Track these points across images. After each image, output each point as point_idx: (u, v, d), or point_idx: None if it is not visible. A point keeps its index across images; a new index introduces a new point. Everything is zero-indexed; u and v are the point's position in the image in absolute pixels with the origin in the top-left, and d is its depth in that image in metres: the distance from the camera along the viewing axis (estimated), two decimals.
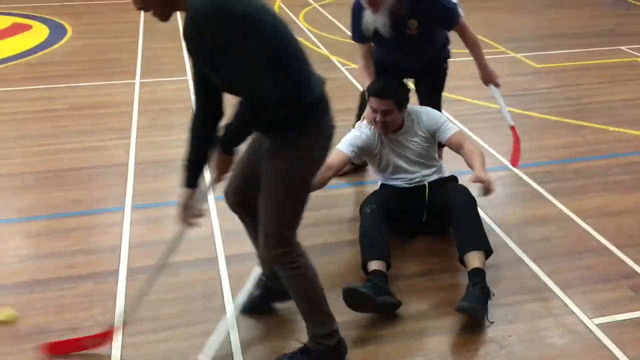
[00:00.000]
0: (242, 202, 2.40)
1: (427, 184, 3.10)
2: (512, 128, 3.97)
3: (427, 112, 3.18)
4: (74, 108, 4.87)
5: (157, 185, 3.76)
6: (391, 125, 3.04)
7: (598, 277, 2.89)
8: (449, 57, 3.59)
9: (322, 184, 3.05)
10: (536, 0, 9.35)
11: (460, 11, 3.31)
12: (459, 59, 6.11)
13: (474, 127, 4.53)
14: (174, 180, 3.81)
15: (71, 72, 5.78)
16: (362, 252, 2.82)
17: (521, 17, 8.25)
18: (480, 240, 2.77)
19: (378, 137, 3.14)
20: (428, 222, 3.12)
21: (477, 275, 2.63)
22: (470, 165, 2.95)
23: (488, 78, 3.55)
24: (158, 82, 5.53)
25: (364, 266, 2.77)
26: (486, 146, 4.25)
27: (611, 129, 4.55)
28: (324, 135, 2.13)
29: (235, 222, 3.34)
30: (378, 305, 2.55)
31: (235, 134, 2.01)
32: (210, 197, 3.57)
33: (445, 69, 3.63)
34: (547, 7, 8.79)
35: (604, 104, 5.06)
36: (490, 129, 4.57)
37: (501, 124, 4.68)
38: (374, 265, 2.72)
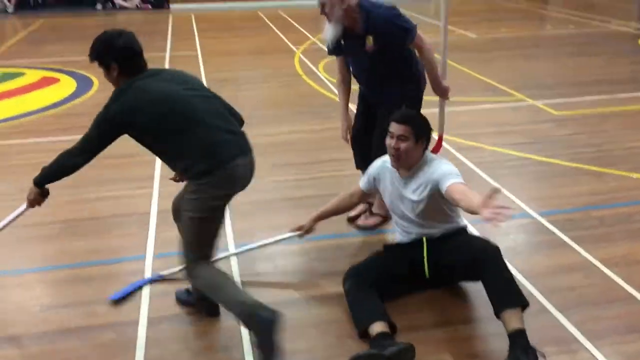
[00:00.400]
0: (175, 213, 2.96)
1: (424, 239, 2.97)
2: (440, 136, 3.84)
3: (441, 161, 2.98)
4: (98, 158, 4.94)
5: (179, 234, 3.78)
6: (404, 155, 2.89)
7: (627, 327, 2.81)
8: (412, 98, 3.55)
9: (348, 208, 3.42)
10: (555, 49, 9.44)
11: (420, 36, 3.49)
12: (477, 106, 6.18)
13: (494, 174, 4.51)
14: None
15: None
16: (357, 323, 2.76)
17: (539, 65, 8.32)
18: (515, 296, 2.65)
19: (389, 176, 3.07)
20: (432, 279, 2.99)
21: (521, 336, 2.52)
22: (470, 205, 2.50)
23: (440, 92, 3.69)
24: None
25: (364, 335, 2.69)
26: (508, 193, 4.22)
27: (634, 175, 4.49)
28: (218, 192, 2.62)
29: (256, 271, 3.35)
30: (389, 358, 2.48)
31: (47, 173, 2.78)
32: (231, 249, 3.58)
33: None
34: (566, 55, 8.86)
35: (626, 150, 5.02)
36: (511, 176, 4.55)
37: (523, 171, 4.67)
38: (375, 328, 2.65)
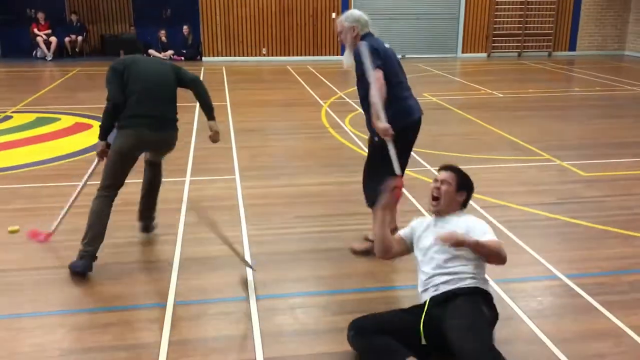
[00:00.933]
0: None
1: (427, 300, 2.91)
2: (400, 177, 3.69)
3: (477, 219, 3.16)
4: (126, 204, 5.01)
5: (201, 282, 3.77)
6: (443, 197, 3.11)
7: None
8: (379, 136, 3.77)
9: (389, 246, 3.26)
10: (581, 110, 9.44)
11: (374, 74, 3.70)
12: (504, 165, 6.16)
13: (521, 234, 4.44)
14: (218, 278, 3.84)
15: None
16: None
17: (567, 125, 8.30)
18: None
19: (426, 223, 3.22)
20: (431, 346, 2.80)
21: None
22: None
23: (381, 132, 3.70)
24: (207, 181, 5.70)
25: None
26: (534, 254, 4.15)
27: None
28: (125, 139, 3.92)
29: (276, 323, 3.31)
30: None
31: (101, 127, 3.96)
32: (252, 299, 3.55)
33: (375, 145, 3.93)
34: (593, 117, 8.84)
35: None
36: (538, 237, 4.47)
37: (551, 232, 4.60)
38: None
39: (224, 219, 4.81)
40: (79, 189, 4.37)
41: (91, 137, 7.47)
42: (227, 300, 3.57)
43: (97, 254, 3.83)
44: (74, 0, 16.70)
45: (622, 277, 3.85)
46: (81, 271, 3.79)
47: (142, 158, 4.18)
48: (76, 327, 3.29)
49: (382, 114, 3.65)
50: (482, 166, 6.10)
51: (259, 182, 5.71)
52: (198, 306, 3.50)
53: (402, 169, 3.82)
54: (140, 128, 3.88)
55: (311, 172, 6.03)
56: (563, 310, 3.51)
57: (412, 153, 4.11)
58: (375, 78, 3.69)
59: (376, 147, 3.94)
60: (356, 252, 4.19)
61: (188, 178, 5.74)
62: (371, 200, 3.96)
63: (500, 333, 3.13)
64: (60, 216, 4.41)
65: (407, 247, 3.29)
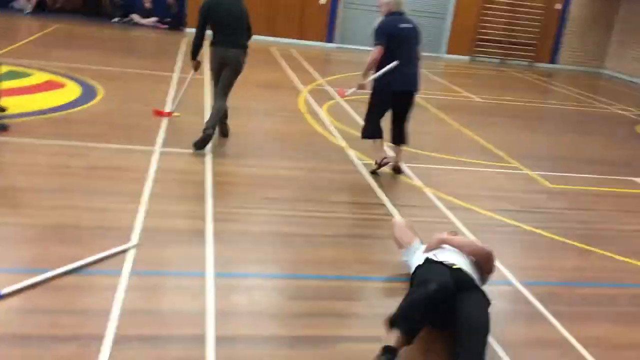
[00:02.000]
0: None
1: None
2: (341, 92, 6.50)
3: None
4: (90, 167, 4.94)
5: (160, 254, 3.73)
6: None
7: None
8: (373, 88, 5.63)
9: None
10: (555, 123, 9.59)
11: (376, 45, 5.40)
12: (473, 168, 6.22)
13: (483, 238, 4.48)
14: (179, 251, 3.80)
15: (94, 133, 5.91)
16: (393, 317, 2.90)
17: (538, 137, 8.42)
18: None
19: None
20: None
21: None
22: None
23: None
24: (177, 153, 5.62)
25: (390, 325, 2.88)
26: None
27: (618, 257, 4.50)
28: (212, 56, 5.97)
29: (232, 302, 3.29)
30: None
31: (192, 51, 6.15)
32: (210, 276, 3.53)
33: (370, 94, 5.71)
34: (565, 131, 8.98)
35: (614, 232, 5.03)
36: (499, 242, 4.53)
37: (511, 239, 4.67)
38: (390, 337, 2.81)
39: (191, 193, 4.76)
40: (185, 85, 6.82)
41: (62, 96, 7.30)
42: (185, 275, 3.55)
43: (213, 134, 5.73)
44: None
45: (575, 289, 3.94)
46: (198, 143, 5.63)
47: None
48: (27, 287, 3.22)
49: (367, 76, 5.51)
50: (452, 167, 6.15)
51: (229, 160, 5.66)
52: (156, 277, 3.47)
53: (401, 124, 5.70)
54: (220, 48, 5.88)
55: (283, 156, 6.01)
56: (514, 316, 3.58)
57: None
58: (372, 52, 5.39)
59: (370, 96, 5.65)
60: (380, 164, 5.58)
61: (158, 149, 5.66)
62: (364, 134, 5.70)
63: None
64: (177, 98, 6.73)
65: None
